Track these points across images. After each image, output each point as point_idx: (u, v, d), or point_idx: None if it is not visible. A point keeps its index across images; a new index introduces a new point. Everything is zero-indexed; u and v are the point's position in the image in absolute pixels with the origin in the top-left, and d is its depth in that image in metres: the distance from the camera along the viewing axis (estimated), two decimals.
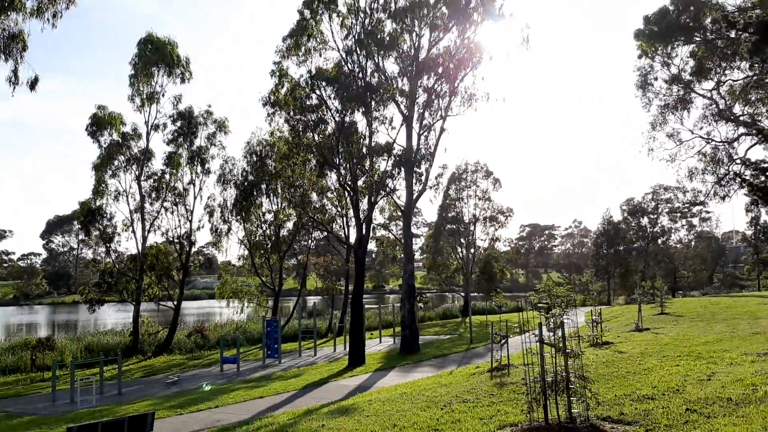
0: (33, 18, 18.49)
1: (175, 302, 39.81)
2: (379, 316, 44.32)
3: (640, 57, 36.06)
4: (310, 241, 48.31)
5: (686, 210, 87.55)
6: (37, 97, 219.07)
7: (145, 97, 38.00)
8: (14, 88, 19.42)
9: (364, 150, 29.25)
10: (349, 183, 29.86)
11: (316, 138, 29.51)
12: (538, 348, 8.93)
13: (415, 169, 32.27)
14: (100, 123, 37.38)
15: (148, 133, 38.66)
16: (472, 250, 65.24)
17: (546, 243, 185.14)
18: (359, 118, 30.55)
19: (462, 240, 64.22)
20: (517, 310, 68.74)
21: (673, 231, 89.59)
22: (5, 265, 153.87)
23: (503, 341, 17.45)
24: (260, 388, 22.72)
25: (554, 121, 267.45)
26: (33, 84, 19.91)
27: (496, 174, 67.75)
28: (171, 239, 39.65)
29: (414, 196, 33.52)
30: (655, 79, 35.58)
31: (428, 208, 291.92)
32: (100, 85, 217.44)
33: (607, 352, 19.19)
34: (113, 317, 65.23)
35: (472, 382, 15.00)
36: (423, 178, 33.11)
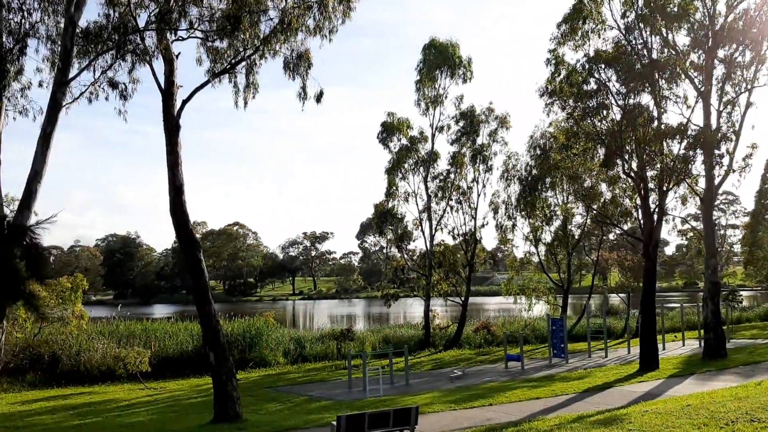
0: (312, 36, 20.23)
1: (463, 298, 40.66)
2: (682, 315, 40.17)
3: None
4: (601, 236, 45.76)
5: None
6: (349, 111, 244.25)
7: (429, 100, 39.44)
8: (303, 102, 21.42)
9: (652, 133, 26.58)
10: (636, 171, 27.47)
11: (597, 125, 27.69)
12: None
13: (715, 151, 28.55)
14: (389, 129, 39.77)
15: (432, 135, 40.05)
16: None
17: None
18: (645, 99, 28.02)
19: None
20: None
21: None
22: (330, 263, 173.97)
23: None
24: (540, 389, 21.99)
25: None
26: (319, 97, 21.76)
27: None
28: (456, 236, 40.67)
29: (716, 182, 29.73)
30: None
31: (747, 195, 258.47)
32: (395, 96, 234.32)
33: None
34: (419, 311, 69.37)
35: None
36: (726, 160, 29.20)
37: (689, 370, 24.57)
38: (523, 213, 42.34)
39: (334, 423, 13.22)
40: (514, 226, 42.53)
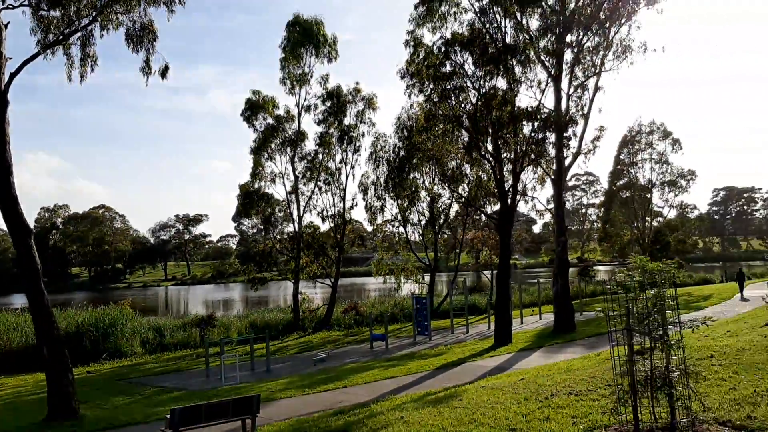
0: (156, 6, 19.14)
1: (332, 279, 40.58)
2: (539, 290, 42.18)
3: None
4: (465, 216, 46.94)
5: None
6: (225, 88, 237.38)
7: (294, 79, 38.77)
8: (147, 77, 20.29)
9: (506, 116, 27.37)
10: (492, 152, 28.24)
11: (455, 107, 28.14)
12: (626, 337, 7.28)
13: (564, 133, 29.89)
14: (254, 107, 38.78)
15: (299, 114, 39.55)
16: (648, 219, 60.24)
17: (745, 207, 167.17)
18: (501, 82, 28.81)
19: (636, 207, 59.45)
20: (704, 282, 62.61)
21: None
22: (206, 246, 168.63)
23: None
24: (397, 368, 22.21)
25: (740, 67, 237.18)
26: (164, 72, 20.70)
27: (676, 134, 61.76)
28: (325, 218, 40.42)
29: (566, 163, 31.17)
30: None
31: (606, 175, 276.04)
32: (268, 74, 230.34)
33: None
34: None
35: (602, 369, 13.18)
36: (574, 143, 30.69)
37: (539, 344, 25.69)
38: (391, 194, 42.65)
39: (168, 416, 12.57)
40: (383, 207, 42.81)
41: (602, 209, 65.64)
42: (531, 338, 27.95)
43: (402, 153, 42.31)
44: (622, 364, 7.81)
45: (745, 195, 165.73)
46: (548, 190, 61.22)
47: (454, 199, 43.96)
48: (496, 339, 26.69)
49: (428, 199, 44.28)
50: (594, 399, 9.66)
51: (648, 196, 59.20)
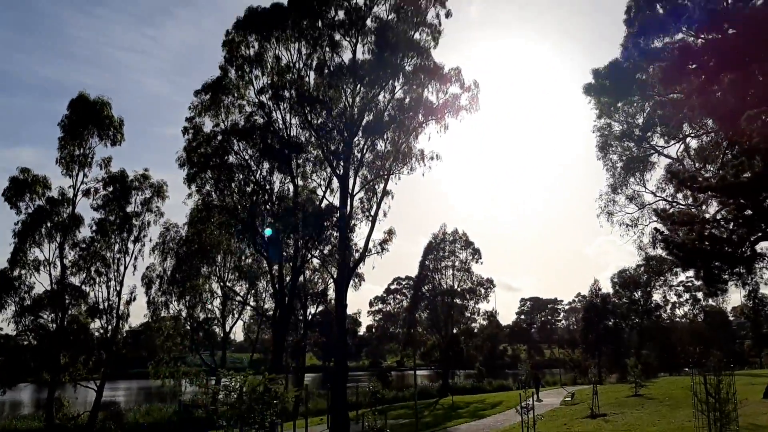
0: None
1: (98, 383, 36.08)
2: (329, 397, 40.22)
3: (599, 117, 33.36)
4: (263, 314, 44.70)
5: (690, 284, 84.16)
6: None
7: (73, 160, 35.56)
8: None
9: (284, 210, 26.36)
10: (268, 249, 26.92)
11: (232, 198, 26.75)
12: None
13: (350, 233, 29.40)
14: (20, 187, 34.77)
15: (74, 197, 35.98)
16: (452, 325, 61.42)
17: (549, 317, 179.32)
18: (287, 177, 28.01)
19: (439, 313, 60.47)
20: (501, 388, 64.23)
21: (677, 306, 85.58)
22: None
23: None
24: None
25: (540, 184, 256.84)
26: None
27: (478, 244, 64.43)
28: (96, 313, 36.25)
29: (352, 265, 30.47)
30: (617, 139, 32.87)
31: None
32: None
33: None
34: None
35: None
36: (360, 243, 30.28)
37: None
38: (177, 289, 39.57)
39: None
40: (167, 302, 39.50)
41: (407, 314, 66.21)
42: None
43: (195, 246, 39.76)
44: None
45: (549, 306, 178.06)
46: (360, 293, 61.17)
47: (249, 296, 41.77)
48: None
49: (220, 295, 41.67)
50: None
51: (449, 300, 60.54)
